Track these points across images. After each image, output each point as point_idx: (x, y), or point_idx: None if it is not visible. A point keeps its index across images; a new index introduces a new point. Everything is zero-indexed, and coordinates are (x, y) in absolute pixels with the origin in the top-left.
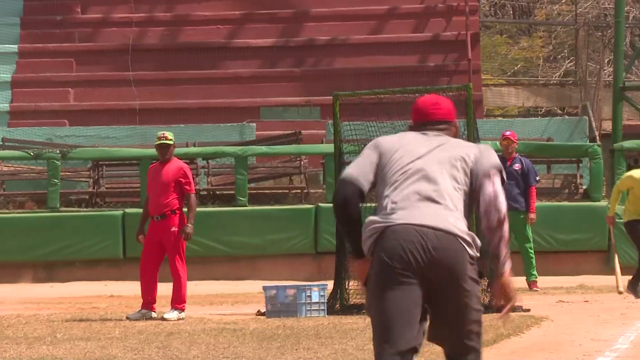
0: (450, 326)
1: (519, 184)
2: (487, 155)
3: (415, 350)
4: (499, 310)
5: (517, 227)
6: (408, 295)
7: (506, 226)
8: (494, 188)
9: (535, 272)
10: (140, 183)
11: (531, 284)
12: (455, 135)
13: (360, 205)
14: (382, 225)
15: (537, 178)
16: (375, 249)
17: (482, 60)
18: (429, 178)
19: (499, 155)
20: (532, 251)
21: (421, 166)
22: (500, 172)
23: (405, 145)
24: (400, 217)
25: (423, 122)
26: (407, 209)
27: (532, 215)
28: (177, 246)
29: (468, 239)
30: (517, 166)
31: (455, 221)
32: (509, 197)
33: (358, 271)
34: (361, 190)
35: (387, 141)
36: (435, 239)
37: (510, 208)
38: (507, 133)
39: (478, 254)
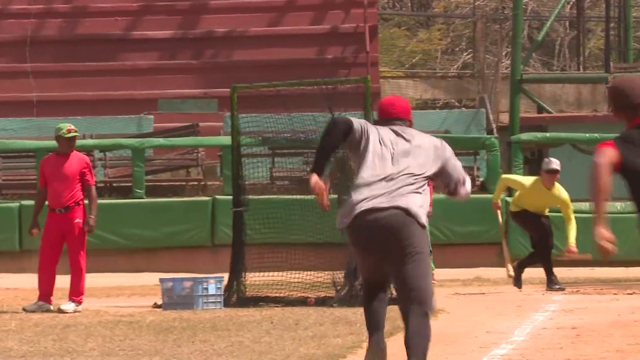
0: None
1: None
2: (444, 145)
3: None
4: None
5: None
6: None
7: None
8: (459, 164)
9: (432, 265)
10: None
11: None
12: (410, 127)
13: (341, 141)
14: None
15: None
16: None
17: (381, 53)
18: (395, 161)
19: None
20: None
21: (388, 153)
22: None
23: (380, 136)
24: (362, 206)
25: (386, 118)
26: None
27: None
28: (80, 238)
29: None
30: None
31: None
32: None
33: (312, 180)
34: (349, 131)
35: (373, 129)
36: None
37: None
38: None
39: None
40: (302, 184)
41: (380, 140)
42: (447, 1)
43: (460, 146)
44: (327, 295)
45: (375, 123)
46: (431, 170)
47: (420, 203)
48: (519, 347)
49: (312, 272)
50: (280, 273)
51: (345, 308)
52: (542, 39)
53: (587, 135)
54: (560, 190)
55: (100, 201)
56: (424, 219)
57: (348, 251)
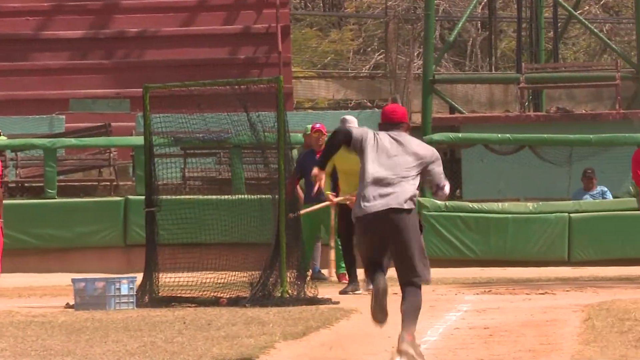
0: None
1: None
2: (433, 153)
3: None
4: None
5: (327, 220)
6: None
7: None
8: (440, 171)
9: (344, 264)
10: None
11: (340, 276)
12: (406, 130)
13: (338, 148)
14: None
15: None
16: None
17: (293, 53)
18: (390, 163)
19: (310, 150)
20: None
21: (384, 156)
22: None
23: (378, 142)
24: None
25: (389, 123)
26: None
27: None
28: None
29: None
30: None
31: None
32: (320, 190)
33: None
34: (349, 141)
35: (371, 136)
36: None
37: (322, 201)
38: (317, 125)
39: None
40: (214, 184)
41: (378, 146)
42: (359, 1)
43: None
44: (240, 295)
45: (380, 126)
46: (416, 171)
47: (409, 195)
48: (432, 347)
49: (225, 272)
50: (193, 273)
51: (258, 308)
52: (454, 40)
53: (499, 135)
54: None
55: (12, 201)
56: (413, 206)
57: (266, 250)
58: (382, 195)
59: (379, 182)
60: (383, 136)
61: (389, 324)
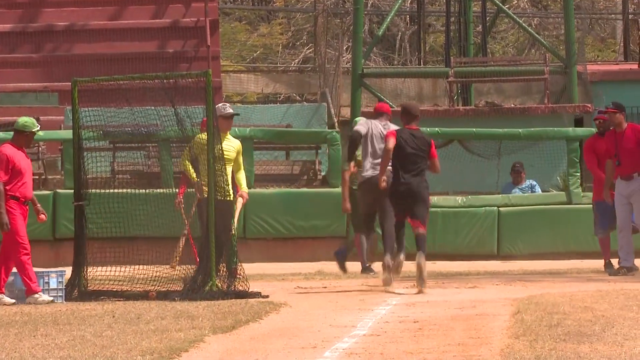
0: None
1: None
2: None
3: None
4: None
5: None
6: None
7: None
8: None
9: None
10: None
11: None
12: (390, 120)
13: (358, 145)
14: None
15: None
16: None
17: (222, 47)
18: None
19: None
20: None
21: (377, 140)
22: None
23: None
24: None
25: (380, 112)
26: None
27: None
28: None
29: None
30: None
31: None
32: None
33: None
34: (362, 138)
35: (368, 127)
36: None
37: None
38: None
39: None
40: (143, 178)
41: (373, 134)
42: None
43: (302, 140)
44: (169, 289)
45: (371, 114)
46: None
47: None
48: (362, 340)
49: (154, 266)
50: (122, 267)
51: (187, 302)
52: (382, 34)
53: (428, 129)
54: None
55: None
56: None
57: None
58: (373, 167)
59: (373, 156)
60: (376, 125)
61: (317, 318)
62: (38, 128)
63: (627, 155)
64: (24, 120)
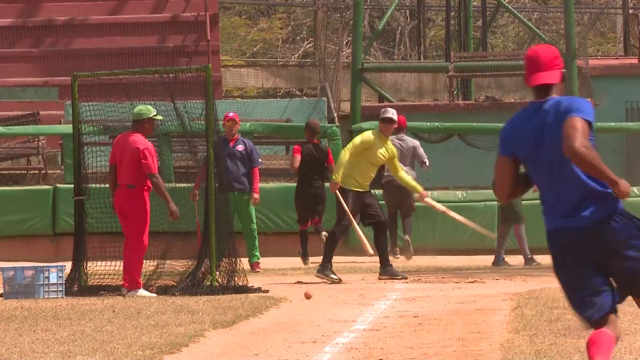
0: None
1: (245, 165)
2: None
3: None
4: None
5: (241, 208)
6: None
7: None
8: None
9: (257, 253)
10: None
11: (254, 265)
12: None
13: None
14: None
15: (260, 160)
16: None
17: (222, 42)
18: None
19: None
20: (256, 232)
21: None
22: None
23: None
24: None
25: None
26: None
27: (256, 196)
28: None
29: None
30: (240, 147)
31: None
32: (234, 178)
33: None
34: None
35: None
36: None
37: (235, 189)
38: (231, 114)
39: None
40: None
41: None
42: None
43: (302, 135)
44: (169, 284)
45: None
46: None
47: None
48: (362, 335)
49: (155, 261)
50: (122, 262)
51: (188, 297)
52: (382, 28)
53: (428, 124)
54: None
55: None
56: None
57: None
58: None
59: None
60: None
61: (317, 312)
62: (154, 113)
63: None
64: (138, 109)
